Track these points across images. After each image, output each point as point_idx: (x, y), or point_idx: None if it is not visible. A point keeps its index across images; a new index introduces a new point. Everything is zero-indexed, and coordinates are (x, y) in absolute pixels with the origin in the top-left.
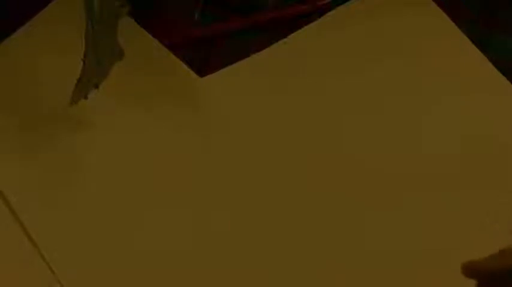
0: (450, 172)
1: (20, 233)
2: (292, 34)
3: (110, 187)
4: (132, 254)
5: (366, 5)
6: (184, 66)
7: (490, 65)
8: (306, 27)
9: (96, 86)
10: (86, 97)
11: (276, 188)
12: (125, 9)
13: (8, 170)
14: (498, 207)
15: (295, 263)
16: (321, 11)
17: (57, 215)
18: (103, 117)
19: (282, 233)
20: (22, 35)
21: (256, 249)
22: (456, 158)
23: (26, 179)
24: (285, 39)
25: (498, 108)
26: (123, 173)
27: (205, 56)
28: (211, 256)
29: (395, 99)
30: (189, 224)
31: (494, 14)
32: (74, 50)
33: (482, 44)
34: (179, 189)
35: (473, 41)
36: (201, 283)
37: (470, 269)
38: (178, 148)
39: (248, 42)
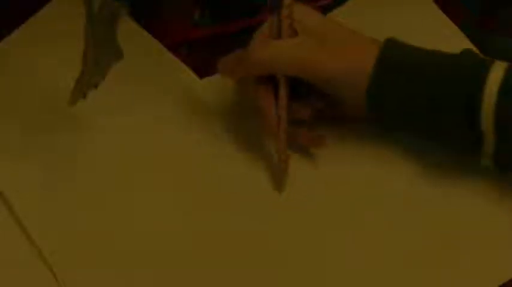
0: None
1: (20, 234)
2: None
3: (110, 187)
4: (133, 254)
5: (365, 5)
6: (184, 67)
7: None
8: None
9: (96, 86)
10: (85, 97)
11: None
12: (124, 9)
13: (8, 170)
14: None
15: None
16: (321, 11)
17: (57, 215)
18: (103, 117)
19: (285, 231)
20: (21, 35)
21: (257, 249)
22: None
23: (26, 179)
24: None
25: None
26: (123, 173)
27: (205, 56)
28: (211, 256)
29: None
30: (189, 224)
31: (494, 14)
32: (74, 49)
33: (482, 44)
34: (179, 189)
35: (473, 41)
36: (202, 283)
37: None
38: (178, 148)
39: (248, 43)
